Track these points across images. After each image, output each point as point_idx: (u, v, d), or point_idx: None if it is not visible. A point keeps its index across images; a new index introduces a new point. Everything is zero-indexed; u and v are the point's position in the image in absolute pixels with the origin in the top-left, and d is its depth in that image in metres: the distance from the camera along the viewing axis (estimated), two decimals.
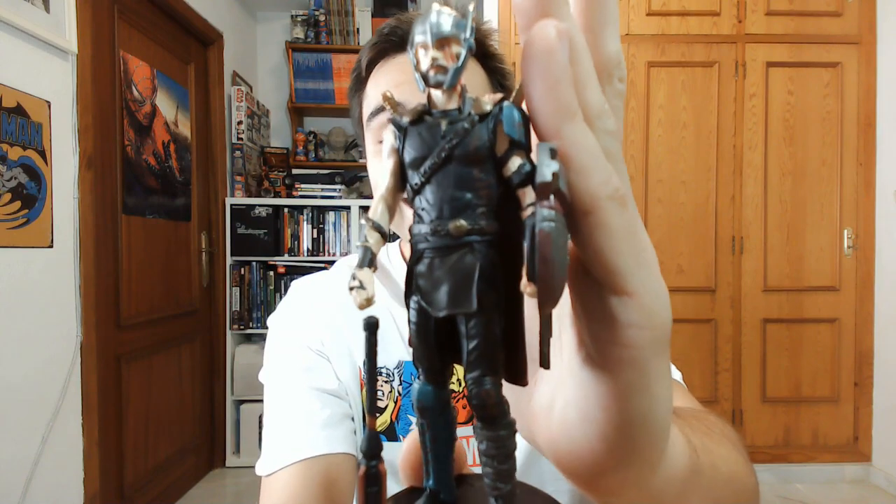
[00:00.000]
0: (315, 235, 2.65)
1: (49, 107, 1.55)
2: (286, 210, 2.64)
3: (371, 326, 0.16)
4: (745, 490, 0.32)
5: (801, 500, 2.24)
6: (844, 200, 2.42)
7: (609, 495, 0.19)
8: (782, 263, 2.42)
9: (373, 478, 0.16)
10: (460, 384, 0.63)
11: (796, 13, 2.39)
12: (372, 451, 0.16)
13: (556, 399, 0.19)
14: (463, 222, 0.15)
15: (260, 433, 2.55)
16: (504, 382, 0.16)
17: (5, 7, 1.38)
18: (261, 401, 2.54)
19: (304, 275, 0.72)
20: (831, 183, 2.42)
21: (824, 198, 2.42)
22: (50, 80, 1.56)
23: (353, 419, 0.62)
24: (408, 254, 0.17)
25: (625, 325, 0.15)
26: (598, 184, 0.14)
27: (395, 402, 0.62)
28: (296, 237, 2.65)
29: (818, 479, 2.37)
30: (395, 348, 0.63)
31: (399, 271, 0.67)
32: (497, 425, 0.16)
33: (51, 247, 1.56)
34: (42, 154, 1.52)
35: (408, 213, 0.18)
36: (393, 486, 0.19)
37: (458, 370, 0.64)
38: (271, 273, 2.61)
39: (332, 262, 2.44)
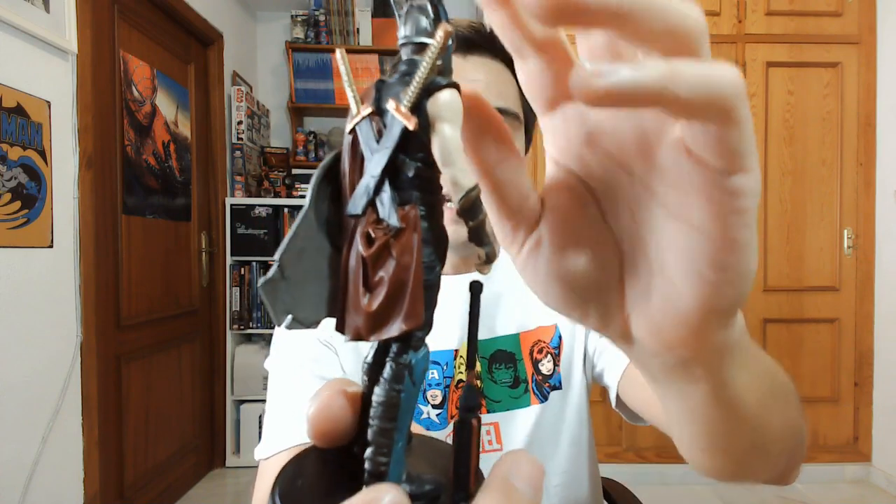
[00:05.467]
0: None
1: (49, 107, 1.55)
2: (286, 210, 2.63)
3: (474, 289, 0.18)
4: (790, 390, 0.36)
5: (801, 500, 2.24)
6: (844, 200, 2.42)
7: (700, 347, 0.22)
8: (782, 263, 2.42)
9: (467, 428, 0.17)
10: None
11: (796, 13, 2.39)
12: (469, 403, 0.18)
13: (652, 286, 0.21)
14: None
15: (260, 433, 2.54)
16: None
17: (5, 7, 1.38)
18: (261, 401, 2.54)
19: None
20: (831, 183, 2.42)
21: (824, 198, 2.42)
22: (50, 80, 1.56)
23: None
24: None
25: (745, 194, 0.17)
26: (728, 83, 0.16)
27: None
28: None
29: (818, 479, 2.37)
30: None
31: None
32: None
33: (51, 247, 1.56)
34: (42, 154, 1.52)
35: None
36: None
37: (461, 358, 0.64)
38: None
39: None
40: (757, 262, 0.20)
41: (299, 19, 2.86)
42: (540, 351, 0.67)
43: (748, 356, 0.27)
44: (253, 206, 2.58)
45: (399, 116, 0.16)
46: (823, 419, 2.43)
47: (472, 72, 0.61)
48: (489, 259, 0.19)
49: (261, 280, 0.16)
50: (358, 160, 0.17)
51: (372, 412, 0.17)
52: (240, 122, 2.66)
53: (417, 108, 0.16)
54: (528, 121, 0.67)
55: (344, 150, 0.18)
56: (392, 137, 0.17)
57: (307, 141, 2.92)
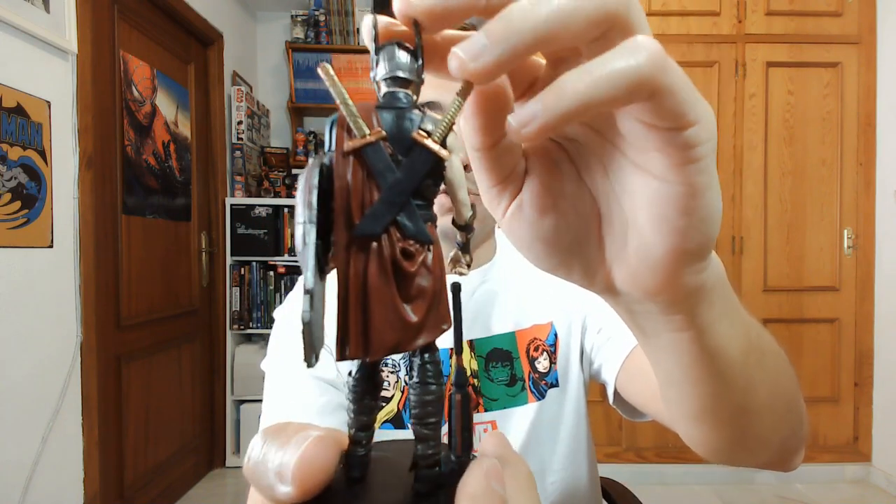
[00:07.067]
0: None
1: (49, 107, 1.55)
2: (286, 210, 2.64)
3: (455, 289, 0.19)
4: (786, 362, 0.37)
5: (801, 500, 2.24)
6: (844, 200, 2.42)
7: (676, 292, 0.23)
8: (782, 263, 2.42)
9: (466, 401, 0.20)
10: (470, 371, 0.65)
11: (796, 13, 2.39)
12: (460, 381, 0.20)
13: (627, 237, 0.23)
14: None
15: None
16: None
17: (5, 7, 1.38)
18: (261, 400, 2.54)
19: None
20: (831, 183, 2.42)
21: (824, 198, 2.42)
22: (50, 80, 1.56)
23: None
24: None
25: (695, 144, 0.18)
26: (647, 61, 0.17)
27: (402, 392, 0.64)
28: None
29: (818, 479, 2.37)
30: None
31: None
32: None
33: (51, 247, 1.56)
34: (42, 154, 1.52)
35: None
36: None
37: (465, 357, 0.65)
38: (271, 273, 2.61)
39: None
40: (720, 205, 0.21)
41: (299, 19, 2.87)
42: (536, 349, 0.67)
43: (729, 306, 0.28)
44: (253, 206, 2.58)
45: (436, 148, 0.18)
46: (823, 419, 2.43)
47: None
48: (468, 265, 0.22)
49: (304, 315, 0.16)
50: (366, 181, 0.18)
51: (417, 413, 0.19)
52: (240, 122, 2.66)
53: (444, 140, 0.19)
54: None
55: (342, 170, 0.18)
56: (422, 164, 0.18)
57: (307, 141, 2.92)
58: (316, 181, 0.17)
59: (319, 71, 0.18)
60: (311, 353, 0.16)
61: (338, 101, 0.18)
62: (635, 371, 0.58)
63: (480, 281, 0.69)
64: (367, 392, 0.19)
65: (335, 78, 0.18)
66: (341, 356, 0.17)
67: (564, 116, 0.16)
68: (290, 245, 2.64)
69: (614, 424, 2.42)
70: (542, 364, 0.67)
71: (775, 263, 2.42)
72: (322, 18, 2.85)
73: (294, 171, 2.85)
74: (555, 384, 0.67)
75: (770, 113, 2.41)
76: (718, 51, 2.39)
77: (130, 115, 1.99)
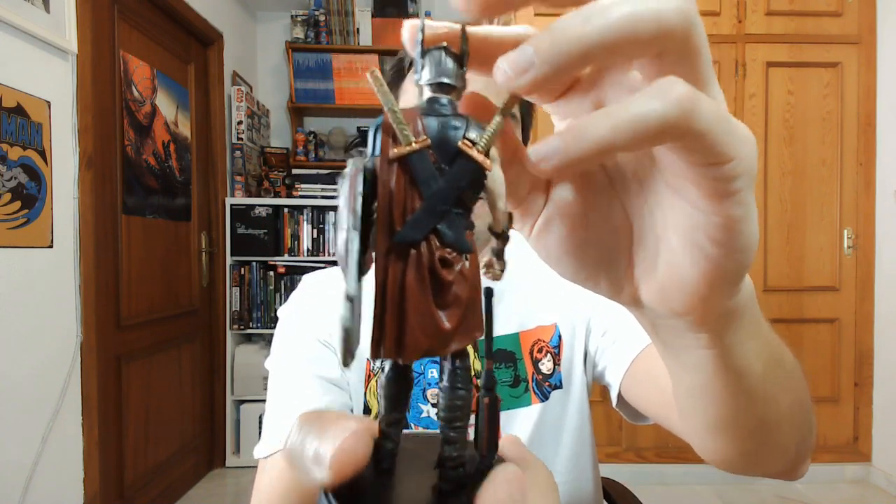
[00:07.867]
0: (315, 235, 2.65)
1: (49, 107, 1.55)
2: (286, 210, 2.64)
3: (488, 294, 0.20)
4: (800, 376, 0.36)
5: (801, 500, 2.24)
6: (844, 200, 2.42)
7: (706, 314, 0.23)
8: (782, 263, 2.42)
9: (493, 404, 0.21)
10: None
11: (796, 13, 2.39)
12: (488, 384, 0.21)
13: (659, 256, 0.22)
14: None
15: (260, 433, 2.54)
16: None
17: (5, 7, 1.38)
18: (261, 400, 2.54)
19: (303, 275, 0.73)
20: (831, 183, 2.42)
21: (824, 198, 2.42)
22: (50, 80, 1.56)
23: (351, 410, 0.63)
24: None
25: (731, 178, 0.18)
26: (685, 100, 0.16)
27: None
28: (296, 237, 2.65)
29: (818, 479, 2.37)
30: None
31: None
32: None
33: (51, 247, 1.56)
34: (42, 154, 1.52)
35: None
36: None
37: (469, 358, 0.65)
38: (271, 273, 2.61)
39: (332, 263, 2.44)
40: (758, 234, 0.20)
41: (299, 19, 2.86)
42: (540, 350, 0.67)
43: (756, 325, 0.27)
44: (253, 206, 2.58)
45: (480, 158, 0.18)
46: (823, 419, 2.42)
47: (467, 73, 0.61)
48: (502, 271, 0.22)
49: (345, 322, 0.17)
50: (409, 188, 0.18)
51: (445, 416, 0.19)
52: (240, 122, 2.66)
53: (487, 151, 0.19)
54: (525, 117, 0.67)
55: (386, 177, 0.18)
56: (466, 173, 0.18)
57: (307, 141, 2.92)
58: (361, 188, 0.18)
59: (368, 76, 0.18)
60: (350, 357, 0.17)
61: (385, 108, 0.18)
62: (642, 376, 0.58)
63: (484, 282, 0.68)
64: (400, 390, 0.20)
65: (384, 84, 0.18)
66: (376, 355, 0.18)
67: (583, 158, 0.16)
68: (289, 245, 2.64)
69: (614, 424, 2.42)
70: (546, 365, 0.66)
71: (775, 263, 2.42)
72: (322, 18, 2.84)
73: (294, 171, 2.85)
74: (558, 386, 0.67)
75: (770, 113, 2.41)
76: (718, 51, 2.39)
77: (130, 115, 1.99)
